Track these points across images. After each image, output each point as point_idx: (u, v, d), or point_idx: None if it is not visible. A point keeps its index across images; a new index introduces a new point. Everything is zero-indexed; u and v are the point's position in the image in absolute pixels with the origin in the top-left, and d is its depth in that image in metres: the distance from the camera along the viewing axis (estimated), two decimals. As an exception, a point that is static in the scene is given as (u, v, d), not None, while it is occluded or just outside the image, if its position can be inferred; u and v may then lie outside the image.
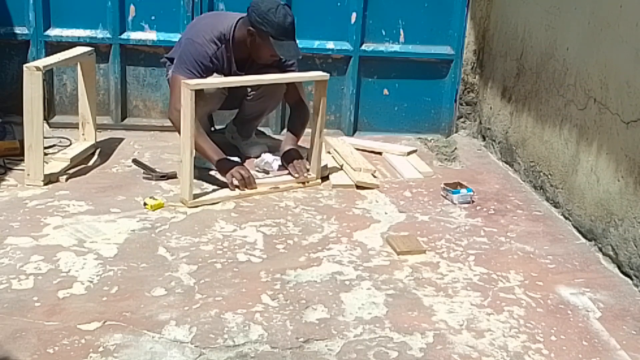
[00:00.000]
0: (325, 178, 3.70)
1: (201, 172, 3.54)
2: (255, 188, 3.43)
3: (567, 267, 2.92)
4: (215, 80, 3.47)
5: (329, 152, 4.03)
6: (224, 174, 3.46)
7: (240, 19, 3.53)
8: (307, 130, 3.74)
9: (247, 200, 3.36)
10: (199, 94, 3.38)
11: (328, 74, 3.60)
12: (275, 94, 3.82)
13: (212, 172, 3.58)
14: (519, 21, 4.07)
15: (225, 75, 3.55)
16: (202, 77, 3.42)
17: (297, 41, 3.53)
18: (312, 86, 3.81)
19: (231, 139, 4.06)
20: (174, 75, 3.48)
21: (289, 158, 3.66)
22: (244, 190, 3.40)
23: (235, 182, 3.38)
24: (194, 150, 3.24)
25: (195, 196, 3.26)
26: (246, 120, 3.98)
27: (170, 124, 3.63)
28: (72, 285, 2.48)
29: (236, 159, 3.63)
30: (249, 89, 3.80)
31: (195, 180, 3.30)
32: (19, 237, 2.82)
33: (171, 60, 3.64)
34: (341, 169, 3.81)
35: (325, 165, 3.76)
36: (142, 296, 2.45)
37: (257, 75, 3.54)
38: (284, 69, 3.68)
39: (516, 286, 2.71)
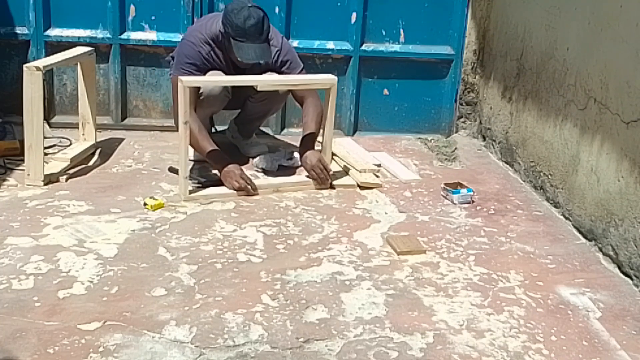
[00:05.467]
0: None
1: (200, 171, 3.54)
2: (256, 190, 3.41)
3: (567, 267, 2.92)
4: (219, 79, 3.46)
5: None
6: (217, 168, 3.45)
7: None
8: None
9: (247, 200, 3.36)
10: (201, 95, 3.37)
11: (336, 78, 3.58)
12: (279, 96, 3.76)
13: (213, 172, 3.59)
14: (519, 21, 4.07)
15: (226, 74, 3.53)
16: (197, 74, 3.41)
17: (269, 44, 3.44)
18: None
19: (232, 138, 4.05)
20: (172, 78, 3.50)
21: (309, 162, 3.53)
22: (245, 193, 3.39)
23: (237, 185, 3.37)
24: (189, 145, 3.26)
25: (191, 192, 3.27)
26: (248, 121, 3.96)
27: (171, 123, 3.63)
28: (72, 285, 2.48)
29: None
30: (253, 91, 3.78)
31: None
32: (19, 237, 2.82)
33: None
34: (347, 174, 3.75)
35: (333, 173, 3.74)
36: (142, 296, 2.45)
37: (259, 75, 3.53)
38: (281, 73, 3.63)
39: (516, 286, 2.71)
